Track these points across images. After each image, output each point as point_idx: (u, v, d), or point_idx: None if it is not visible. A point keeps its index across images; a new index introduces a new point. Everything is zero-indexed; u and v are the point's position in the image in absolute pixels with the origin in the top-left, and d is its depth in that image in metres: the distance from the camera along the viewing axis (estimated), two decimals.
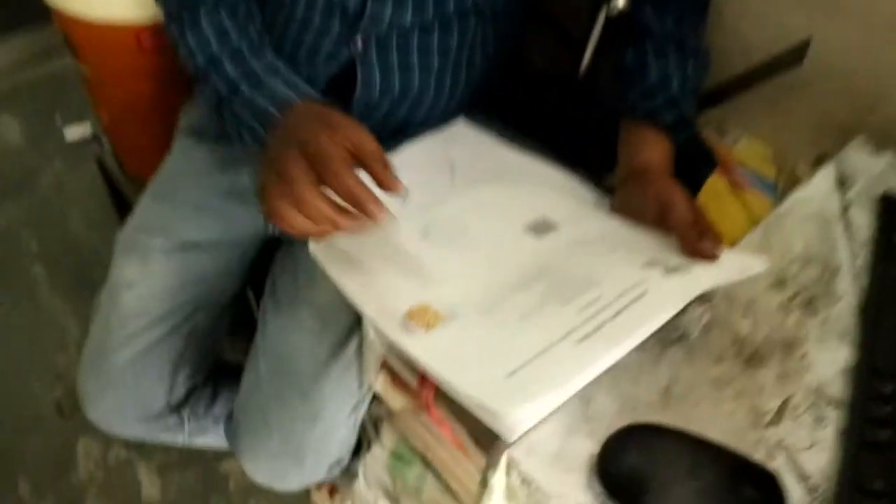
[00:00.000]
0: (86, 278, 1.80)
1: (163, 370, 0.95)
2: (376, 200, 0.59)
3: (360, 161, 0.62)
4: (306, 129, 0.64)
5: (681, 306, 0.56)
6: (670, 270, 0.60)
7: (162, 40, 1.16)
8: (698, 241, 0.60)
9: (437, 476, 0.93)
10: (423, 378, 0.72)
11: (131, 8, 1.14)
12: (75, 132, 1.37)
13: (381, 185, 0.61)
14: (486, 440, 0.72)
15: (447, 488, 0.92)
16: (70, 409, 1.54)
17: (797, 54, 0.79)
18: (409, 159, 0.86)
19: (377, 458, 1.01)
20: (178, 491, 1.43)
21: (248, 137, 0.80)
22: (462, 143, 0.89)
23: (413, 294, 0.65)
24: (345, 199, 0.59)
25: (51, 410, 1.55)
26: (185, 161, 1.00)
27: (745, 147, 0.92)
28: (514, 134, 0.90)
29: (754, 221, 0.82)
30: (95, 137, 1.40)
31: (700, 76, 0.81)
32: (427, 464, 0.94)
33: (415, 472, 0.96)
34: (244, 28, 0.87)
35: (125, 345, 0.92)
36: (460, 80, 0.92)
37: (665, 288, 0.58)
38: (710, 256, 0.60)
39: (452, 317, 0.62)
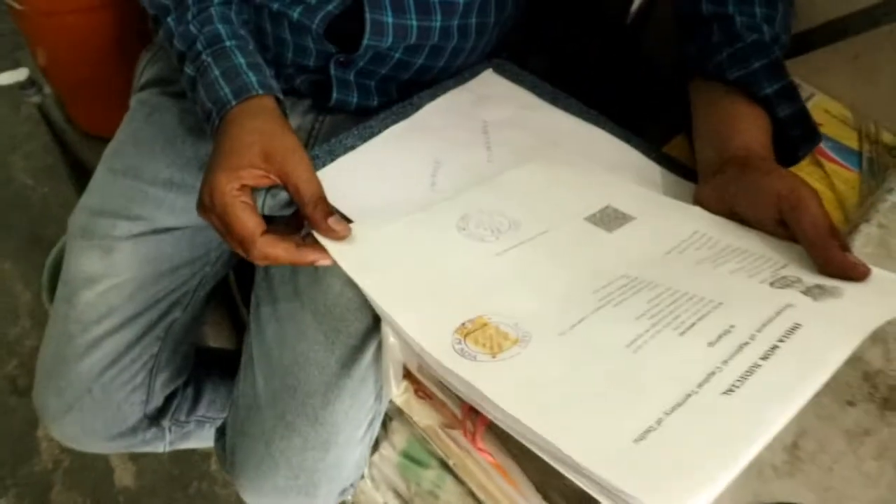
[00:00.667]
0: (36, 237, 1.62)
1: (136, 379, 0.80)
2: (314, 252, 0.55)
3: (298, 204, 0.56)
4: (241, 162, 0.57)
5: (856, 345, 0.42)
6: (814, 294, 0.46)
7: None
8: (844, 256, 0.47)
9: (459, 481, 0.82)
10: (471, 408, 0.59)
11: None
12: (8, 77, 1.16)
13: (321, 233, 0.55)
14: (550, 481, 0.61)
15: (470, 493, 0.81)
16: (26, 387, 1.39)
17: None
18: (431, 121, 0.71)
19: (386, 458, 0.89)
20: (154, 476, 1.29)
21: (200, 104, 0.66)
22: (494, 102, 0.74)
23: (465, 304, 0.50)
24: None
25: (4, 388, 1.39)
26: (150, 123, 0.82)
27: (819, 108, 0.78)
28: (551, 88, 0.75)
29: (842, 202, 0.70)
30: (33, 82, 1.20)
31: (789, 25, 0.66)
32: (446, 466, 0.82)
33: (431, 474, 0.84)
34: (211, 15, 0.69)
35: (89, 352, 0.77)
36: (489, 22, 0.75)
37: (824, 319, 0.44)
38: (861, 276, 0.47)
39: (526, 338, 0.46)
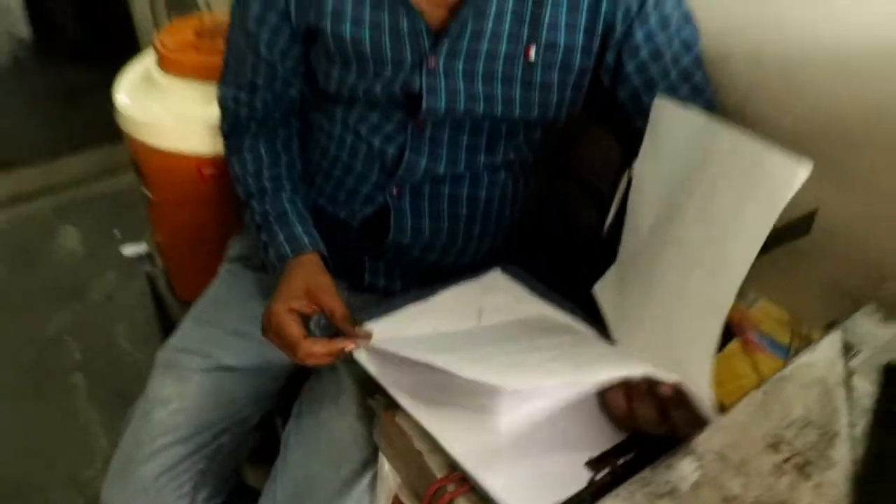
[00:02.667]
0: (123, 393, 1.84)
1: (184, 487, 0.98)
2: (343, 342, 0.80)
3: (332, 321, 0.84)
4: (290, 294, 0.86)
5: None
6: None
7: (220, 172, 1.26)
8: None
9: None
10: None
11: (195, 141, 1.25)
12: (132, 249, 1.46)
13: (349, 336, 0.80)
14: None
15: None
16: None
17: (805, 224, 0.83)
18: (441, 302, 0.92)
19: None
20: None
21: (269, 261, 0.94)
22: (494, 293, 0.94)
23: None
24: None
25: None
26: (229, 287, 1.07)
27: (761, 310, 0.95)
28: (545, 287, 0.95)
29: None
30: (149, 256, 1.50)
31: None
32: None
33: None
34: (278, 156, 1.00)
35: (152, 459, 0.96)
36: (489, 231, 0.98)
37: None
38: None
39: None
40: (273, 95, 0.99)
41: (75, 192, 2.66)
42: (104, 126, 2.72)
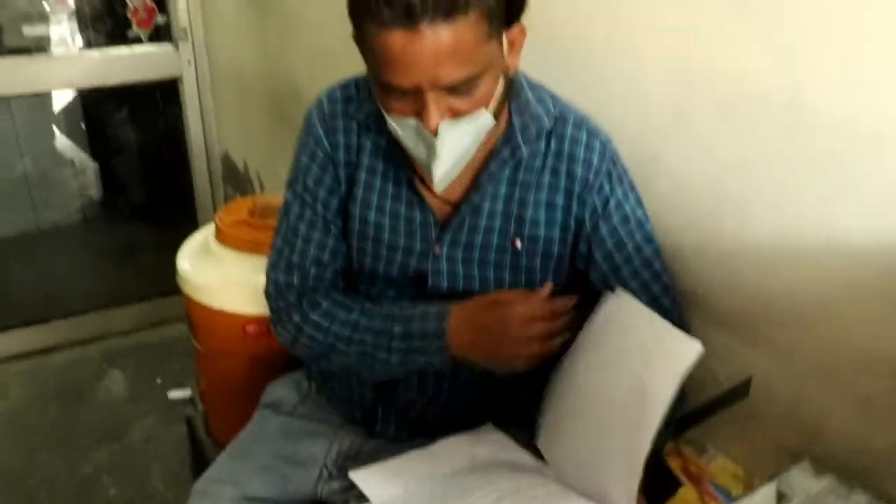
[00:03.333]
0: None
1: None
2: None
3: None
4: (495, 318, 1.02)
5: None
6: None
7: (262, 330, 1.47)
8: None
9: None
10: None
11: (241, 302, 1.47)
12: (177, 393, 1.64)
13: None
14: None
15: None
16: None
17: (743, 389, 1.00)
18: (438, 450, 1.08)
19: None
20: None
21: (416, 361, 1.07)
22: (486, 444, 1.10)
23: None
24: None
25: None
26: (261, 429, 1.24)
27: (718, 465, 1.09)
28: (528, 437, 1.11)
29: None
30: (192, 400, 1.68)
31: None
32: None
33: None
34: (355, 297, 1.14)
35: None
36: (484, 392, 1.17)
37: None
38: None
39: None
40: (334, 269, 1.14)
41: (124, 340, 2.89)
42: (154, 282, 3.03)
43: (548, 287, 1.03)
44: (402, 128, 0.94)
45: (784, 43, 0.90)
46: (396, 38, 0.84)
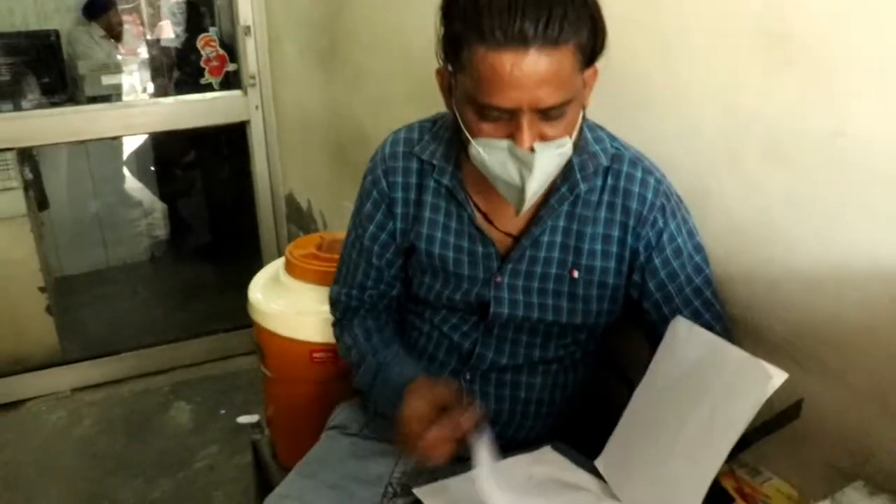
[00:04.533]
0: None
1: None
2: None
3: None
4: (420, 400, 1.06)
5: None
6: None
7: (328, 357, 1.55)
8: None
9: None
10: None
11: (309, 331, 1.56)
12: (246, 418, 1.73)
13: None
14: None
15: None
16: None
17: (794, 411, 1.03)
18: (498, 470, 1.13)
19: None
20: None
21: (387, 403, 1.14)
22: (544, 464, 1.15)
23: None
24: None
25: None
26: (328, 449, 1.31)
27: (772, 487, 1.11)
28: (588, 461, 1.15)
29: None
30: (258, 424, 1.76)
31: None
32: None
33: None
34: (382, 331, 1.26)
35: None
36: (542, 412, 1.22)
37: None
38: None
39: None
40: (378, 293, 1.28)
41: (189, 372, 3.01)
42: (219, 317, 3.15)
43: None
44: (491, 150, 0.99)
45: (824, 85, 0.96)
46: (506, 59, 0.91)
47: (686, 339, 1.05)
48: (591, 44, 0.96)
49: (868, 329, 0.97)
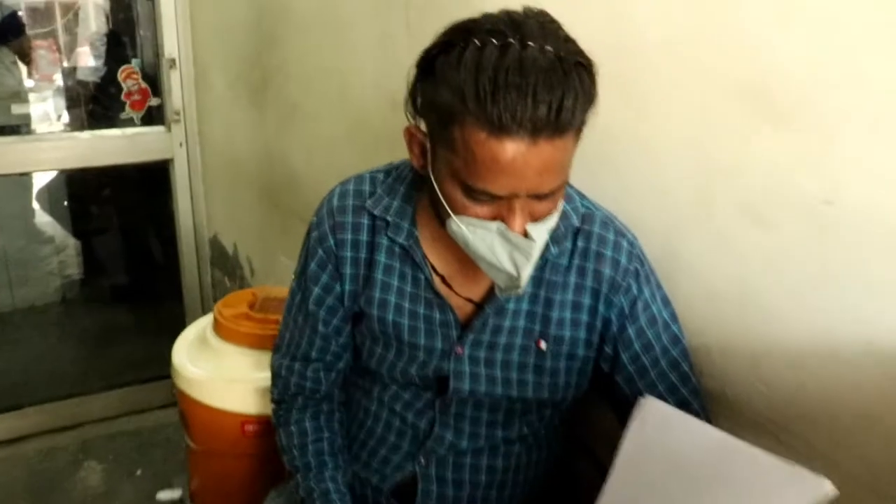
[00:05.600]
0: None
1: None
2: None
3: None
4: None
5: None
6: None
7: (262, 429, 1.40)
8: None
9: None
10: None
11: (241, 401, 1.41)
12: (167, 495, 1.56)
13: None
14: None
15: None
16: None
17: None
18: None
19: None
20: None
21: None
22: None
23: None
24: None
25: None
26: None
27: None
28: None
29: None
30: (181, 500, 1.59)
31: None
32: None
33: None
34: (322, 431, 1.14)
35: None
36: (504, 497, 1.10)
37: None
38: None
39: None
40: (324, 366, 1.14)
41: (102, 428, 2.78)
42: (136, 366, 2.93)
43: None
44: (475, 231, 0.90)
45: (818, 144, 0.89)
46: (510, 149, 0.81)
47: (666, 425, 0.94)
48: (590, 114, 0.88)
49: (861, 413, 0.90)
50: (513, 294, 0.95)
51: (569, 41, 0.84)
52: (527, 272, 0.91)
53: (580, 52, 0.84)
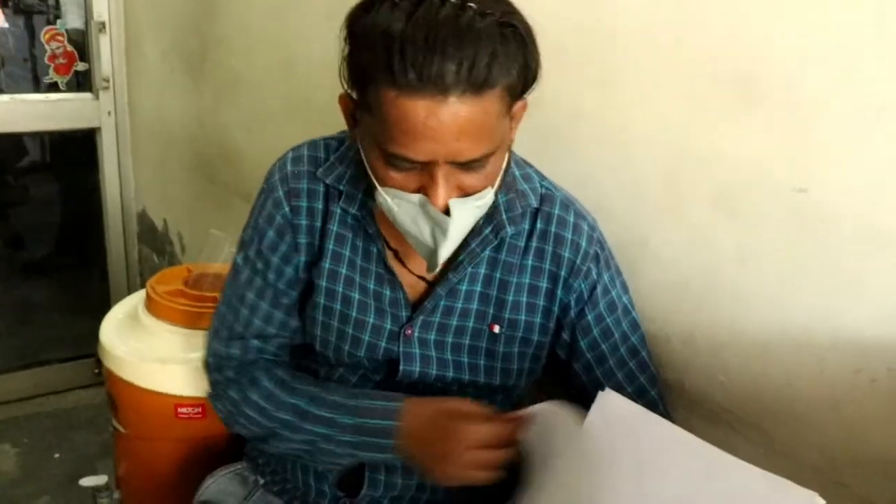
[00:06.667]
0: None
1: None
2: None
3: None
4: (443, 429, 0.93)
5: None
6: None
7: (196, 413, 1.32)
8: None
9: None
10: None
11: (174, 382, 1.33)
12: (91, 481, 1.46)
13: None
14: None
15: None
16: None
17: None
18: None
19: None
20: None
21: (364, 457, 0.99)
22: None
23: None
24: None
25: None
26: None
27: None
28: None
29: None
30: (108, 488, 1.50)
31: None
32: None
33: None
34: (300, 377, 1.05)
35: None
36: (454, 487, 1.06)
37: None
38: None
39: None
40: (282, 342, 1.06)
41: (17, 409, 2.64)
42: (55, 344, 2.79)
43: (511, 416, 0.96)
44: (399, 203, 0.86)
45: (795, 133, 0.87)
46: (420, 107, 0.77)
47: (632, 425, 0.88)
48: (522, 80, 0.83)
49: (827, 403, 0.89)
50: (434, 269, 0.91)
51: (502, 3, 0.81)
52: (445, 249, 0.87)
53: (513, 13, 0.81)
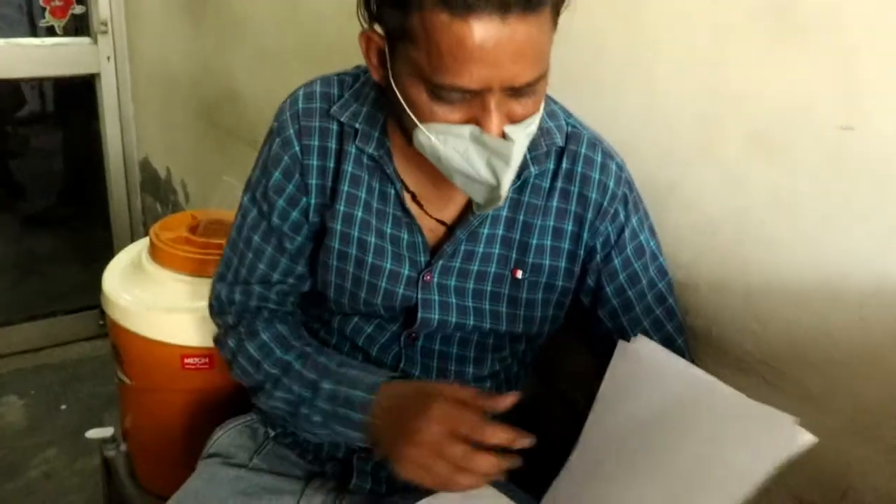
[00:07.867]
0: None
1: None
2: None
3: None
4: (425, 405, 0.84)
5: None
6: None
7: (203, 364, 1.29)
8: None
9: None
10: None
11: (180, 331, 1.29)
12: (97, 433, 1.44)
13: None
14: None
15: None
16: None
17: None
18: None
19: None
20: None
21: (335, 430, 0.94)
22: (476, 499, 0.96)
23: None
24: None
25: None
26: (208, 484, 1.05)
27: None
28: (526, 495, 0.98)
29: None
30: (113, 439, 1.48)
31: None
32: None
33: None
34: (300, 335, 1.02)
35: None
36: None
37: None
38: None
39: None
40: (287, 289, 1.02)
41: (23, 361, 2.63)
42: (59, 296, 2.76)
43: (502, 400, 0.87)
44: (446, 139, 0.79)
45: (839, 66, 0.81)
46: (477, 29, 0.71)
47: (653, 365, 0.87)
48: None
49: (868, 351, 0.84)
50: (493, 207, 0.85)
51: None
52: (507, 179, 0.80)
53: None
